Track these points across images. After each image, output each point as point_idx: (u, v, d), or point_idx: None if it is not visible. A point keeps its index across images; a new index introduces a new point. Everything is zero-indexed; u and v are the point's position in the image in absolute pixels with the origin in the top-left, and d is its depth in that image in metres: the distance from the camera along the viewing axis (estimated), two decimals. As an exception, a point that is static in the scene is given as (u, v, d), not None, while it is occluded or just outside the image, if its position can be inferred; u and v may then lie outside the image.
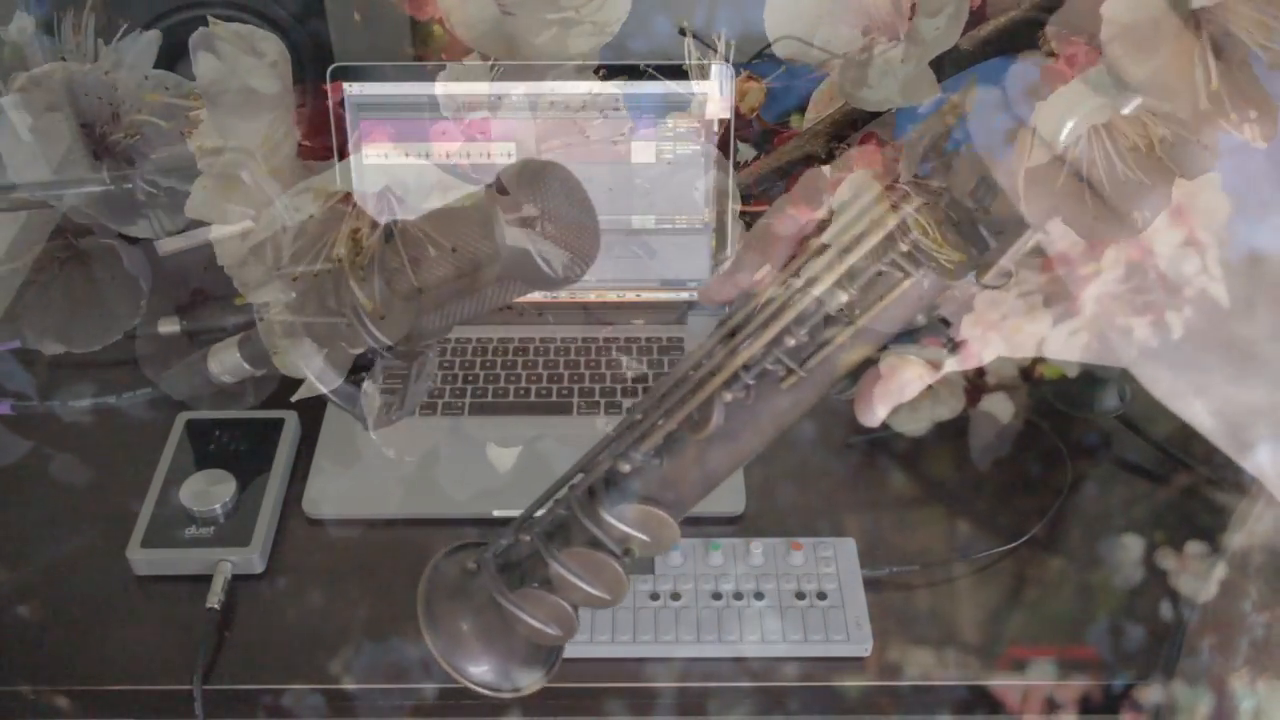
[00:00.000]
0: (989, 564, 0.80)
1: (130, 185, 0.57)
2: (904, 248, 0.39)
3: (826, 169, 0.41)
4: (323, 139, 0.50)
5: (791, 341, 0.41)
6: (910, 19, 0.36)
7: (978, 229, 0.37)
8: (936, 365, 0.41)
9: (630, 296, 0.97)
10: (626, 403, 0.90)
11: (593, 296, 0.97)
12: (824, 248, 0.40)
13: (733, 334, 0.42)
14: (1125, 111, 0.32)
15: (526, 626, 0.46)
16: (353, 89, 0.91)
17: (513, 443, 0.87)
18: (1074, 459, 0.85)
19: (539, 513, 0.47)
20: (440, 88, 0.91)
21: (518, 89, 0.84)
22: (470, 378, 0.92)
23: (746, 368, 0.41)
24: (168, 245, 0.61)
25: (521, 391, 0.91)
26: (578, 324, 0.96)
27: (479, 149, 0.89)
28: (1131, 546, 0.81)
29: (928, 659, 0.74)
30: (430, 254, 0.49)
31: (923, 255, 0.38)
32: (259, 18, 0.99)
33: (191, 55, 0.48)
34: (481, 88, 0.78)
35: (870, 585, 0.77)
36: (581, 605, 0.46)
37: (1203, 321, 0.36)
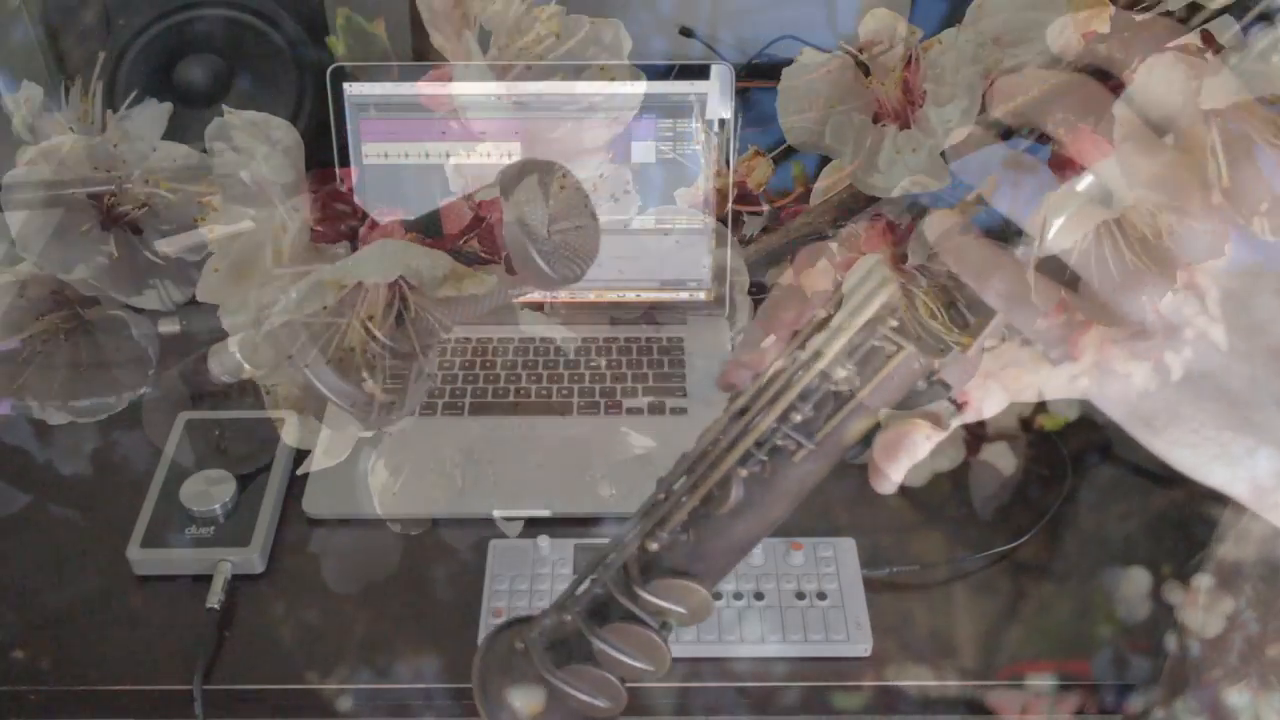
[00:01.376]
0: (989, 564, 0.80)
1: (138, 256, 0.58)
2: (894, 323, 0.40)
3: (833, 245, 0.42)
4: (333, 224, 0.52)
5: (799, 417, 0.42)
6: (920, 107, 0.37)
7: (957, 306, 0.39)
8: (943, 425, 0.42)
9: (630, 297, 0.97)
10: (627, 403, 0.90)
11: (593, 297, 0.97)
12: (824, 323, 0.42)
13: (743, 412, 0.43)
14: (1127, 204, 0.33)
15: (577, 700, 0.47)
16: (352, 89, 0.91)
17: (513, 443, 0.87)
18: (1074, 459, 0.85)
19: (578, 591, 0.48)
20: (440, 88, 0.91)
21: (519, 89, 0.84)
22: (470, 378, 0.92)
23: (759, 444, 0.43)
24: (167, 246, 0.61)
25: (522, 392, 0.91)
26: (578, 324, 0.97)
27: (479, 149, 0.89)
28: (1131, 547, 0.81)
29: (927, 659, 0.74)
30: (442, 338, 0.50)
31: (931, 338, 0.39)
32: (259, 18, 0.99)
33: (207, 146, 0.50)
34: (482, 88, 0.78)
35: (870, 585, 0.77)
36: (627, 678, 0.47)
37: (1213, 397, 0.37)
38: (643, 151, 0.91)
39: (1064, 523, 0.82)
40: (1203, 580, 0.59)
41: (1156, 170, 0.32)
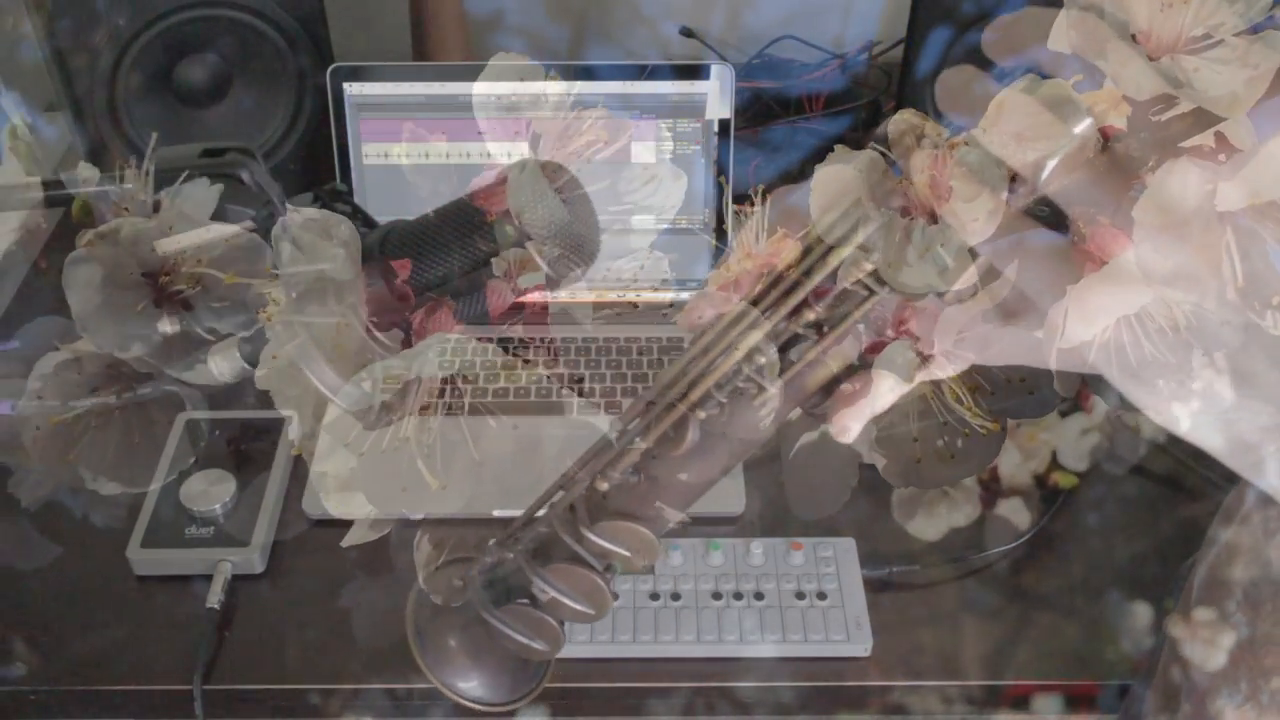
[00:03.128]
0: (989, 564, 0.80)
1: (190, 333, 0.60)
2: (869, 266, 0.40)
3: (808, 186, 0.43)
4: (388, 316, 0.55)
5: (761, 359, 0.41)
6: (948, 201, 0.38)
7: (981, 390, 0.39)
8: (907, 378, 0.42)
9: (630, 296, 0.97)
10: (626, 403, 0.90)
11: (592, 296, 0.97)
12: (795, 264, 0.41)
13: (705, 352, 0.42)
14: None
15: (513, 641, 0.46)
16: (352, 89, 0.91)
17: (513, 443, 0.87)
18: (1074, 459, 0.86)
19: (522, 529, 0.48)
20: (440, 88, 0.91)
21: (518, 88, 0.84)
22: (470, 378, 0.92)
23: (719, 386, 0.42)
24: (167, 245, 0.62)
25: (521, 392, 0.91)
26: (578, 324, 0.96)
27: (480, 148, 0.89)
28: (1131, 547, 0.81)
29: (927, 659, 0.74)
30: (492, 426, 0.52)
31: (955, 419, 0.40)
32: (259, 18, 0.99)
33: (273, 246, 0.53)
34: (482, 87, 0.78)
35: (870, 585, 0.77)
36: (567, 620, 0.46)
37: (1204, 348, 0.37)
38: (643, 152, 0.91)
39: (1064, 522, 0.82)
40: (1195, 582, 0.59)
41: (1173, 270, 0.34)
